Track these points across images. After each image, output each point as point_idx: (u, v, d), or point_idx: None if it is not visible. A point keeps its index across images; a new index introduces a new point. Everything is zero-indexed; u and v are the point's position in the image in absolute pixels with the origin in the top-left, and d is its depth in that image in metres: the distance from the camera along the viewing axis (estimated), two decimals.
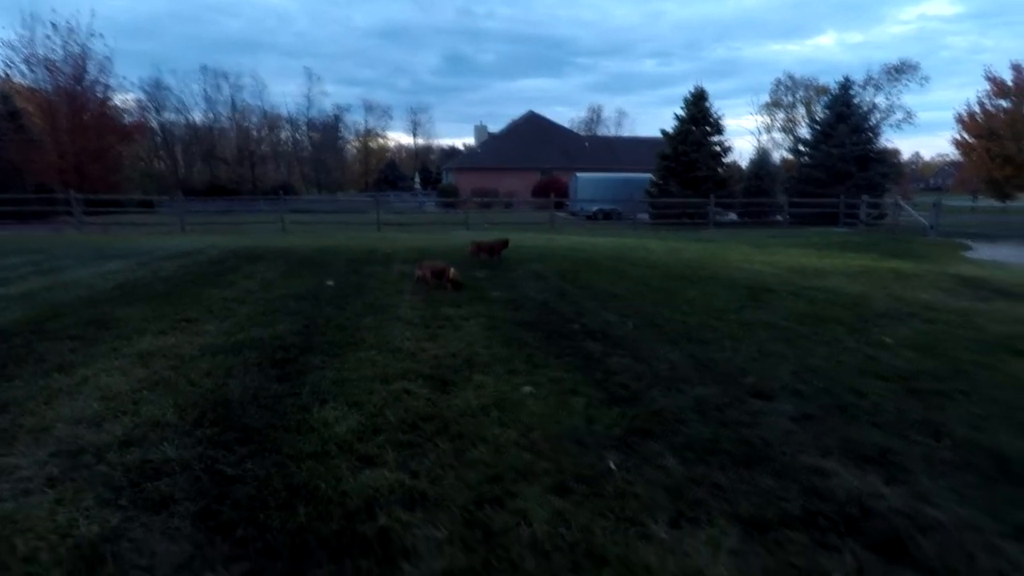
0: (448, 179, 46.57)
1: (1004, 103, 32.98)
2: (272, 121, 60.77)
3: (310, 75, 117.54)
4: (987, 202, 37.72)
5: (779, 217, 27.99)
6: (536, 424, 3.56)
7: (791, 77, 54.30)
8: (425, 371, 4.54)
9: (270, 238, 17.40)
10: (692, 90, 28.55)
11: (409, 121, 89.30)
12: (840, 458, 3.16)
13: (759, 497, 2.75)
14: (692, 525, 2.55)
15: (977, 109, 34.29)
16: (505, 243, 11.60)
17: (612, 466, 3.05)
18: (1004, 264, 13.08)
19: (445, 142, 70.86)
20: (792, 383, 4.37)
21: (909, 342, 5.59)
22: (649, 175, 29.96)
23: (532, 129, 48.36)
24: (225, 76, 57.96)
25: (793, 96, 53.23)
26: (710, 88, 40.87)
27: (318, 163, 61.05)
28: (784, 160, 40.43)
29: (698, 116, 28.63)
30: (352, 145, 69.85)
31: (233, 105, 56.65)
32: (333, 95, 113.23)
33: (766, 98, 62.64)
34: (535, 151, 45.21)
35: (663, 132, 29.72)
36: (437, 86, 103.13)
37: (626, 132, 60.99)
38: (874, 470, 3.03)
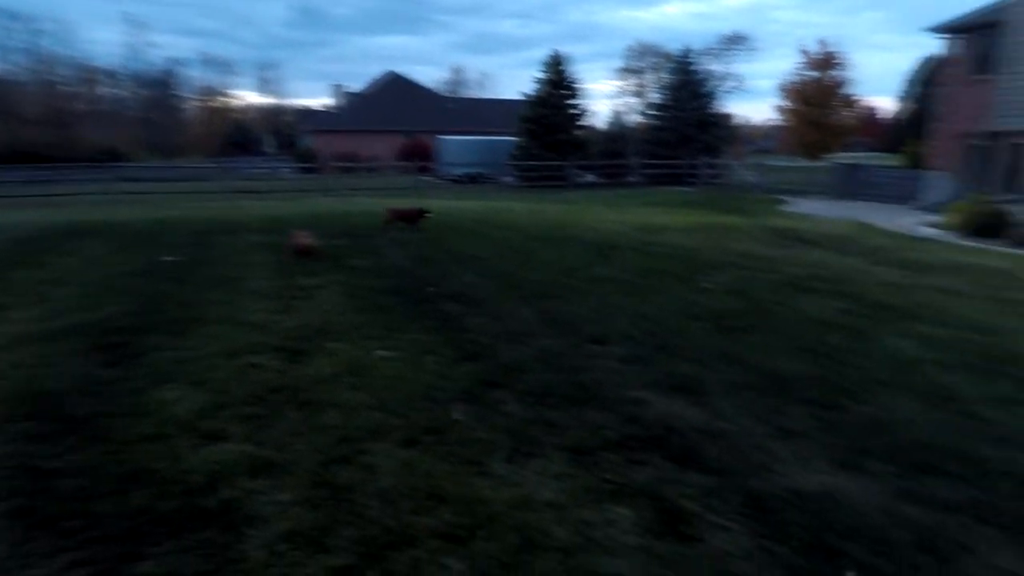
0: (305, 142, 43.89)
1: (815, 74, 37.58)
2: (87, 74, 52.59)
3: (132, 22, 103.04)
4: (803, 162, 43.21)
5: (632, 178, 29.91)
6: (389, 385, 3.68)
7: (642, 43, 57.47)
8: (276, 343, 4.45)
9: (96, 212, 15.42)
10: (551, 54, 29.26)
11: (257, 79, 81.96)
12: (656, 389, 3.65)
13: (585, 429, 3.12)
14: (525, 459, 2.84)
15: (795, 79, 38.76)
16: (422, 212, 11.20)
17: (458, 416, 3.27)
18: (809, 216, 15.18)
19: (300, 102, 66.04)
20: (626, 329, 4.88)
21: (725, 287, 6.43)
22: (514, 138, 30.45)
23: (394, 90, 46.74)
24: (16, 18, 48.61)
25: (644, 62, 56.36)
26: (569, 52, 41.91)
27: (150, 124, 54.15)
28: (638, 123, 42.98)
29: (557, 80, 29.44)
30: (192, 105, 62.99)
31: (33, 54, 48.07)
32: (165, 47, 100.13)
33: (621, 63, 65.71)
34: (398, 113, 43.87)
35: (524, 95, 30.22)
36: (287, 40, 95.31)
37: (490, 94, 60.96)
38: (682, 396, 3.55)
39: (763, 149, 58.96)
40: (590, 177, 30.46)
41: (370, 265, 7.55)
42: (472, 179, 29.86)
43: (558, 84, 29.55)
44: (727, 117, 39.82)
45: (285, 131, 58.76)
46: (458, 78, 67.40)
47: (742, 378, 3.81)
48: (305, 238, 7.29)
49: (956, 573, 2.06)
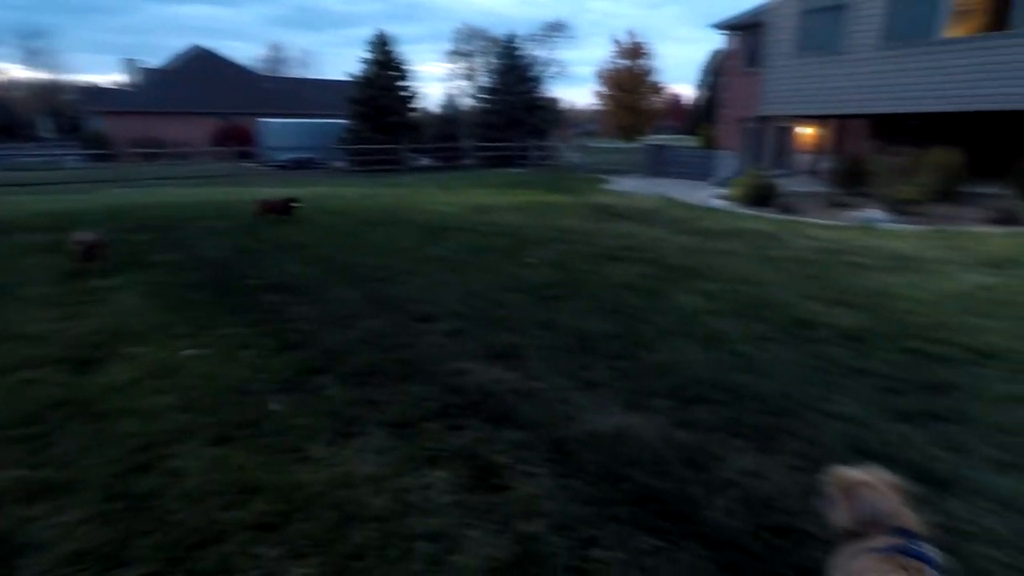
0: (94, 125, 37.92)
1: (625, 62, 41.05)
2: None
3: None
4: (621, 144, 47.13)
5: (467, 160, 30.35)
6: (198, 385, 3.44)
7: (470, 27, 58.04)
8: (58, 354, 3.91)
9: None
10: (377, 33, 28.42)
11: (21, 49, 68.65)
12: (477, 359, 3.84)
13: (407, 403, 3.20)
14: (346, 439, 2.86)
15: (610, 67, 42.02)
16: (293, 200, 10.30)
17: (276, 406, 3.17)
18: (626, 193, 16.66)
19: (83, 79, 56.60)
20: (452, 306, 5.04)
21: (547, 261, 6.87)
22: (340, 120, 29.22)
23: (202, 67, 42.10)
24: None
25: (472, 46, 57.02)
26: (399, 32, 40.84)
27: None
28: (470, 106, 43.54)
29: (385, 60, 28.73)
30: None
31: None
32: None
33: (449, 46, 65.76)
34: (208, 93, 39.67)
35: (351, 76, 29.08)
36: (62, 4, 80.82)
37: (313, 74, 57.49)
38: (501, 363, 3.78)
39: (587, 132, 63.05)
40: (425, 160, 30.34)
41: (178, 260, 6.88)
42: (300, 164, 28.17)
43: (386, 65, 28.87)
44: (553, 101, 41.86)
45: (66, 112, 50.23)
46: (277, 56, 62.56)
47: (555, 341, 4.16)
48: (86, 236, 6.25)
49: (709, 478, 2.50)
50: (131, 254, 7.01)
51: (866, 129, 16.82)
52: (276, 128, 30.38)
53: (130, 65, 44.12)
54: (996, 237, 7.72)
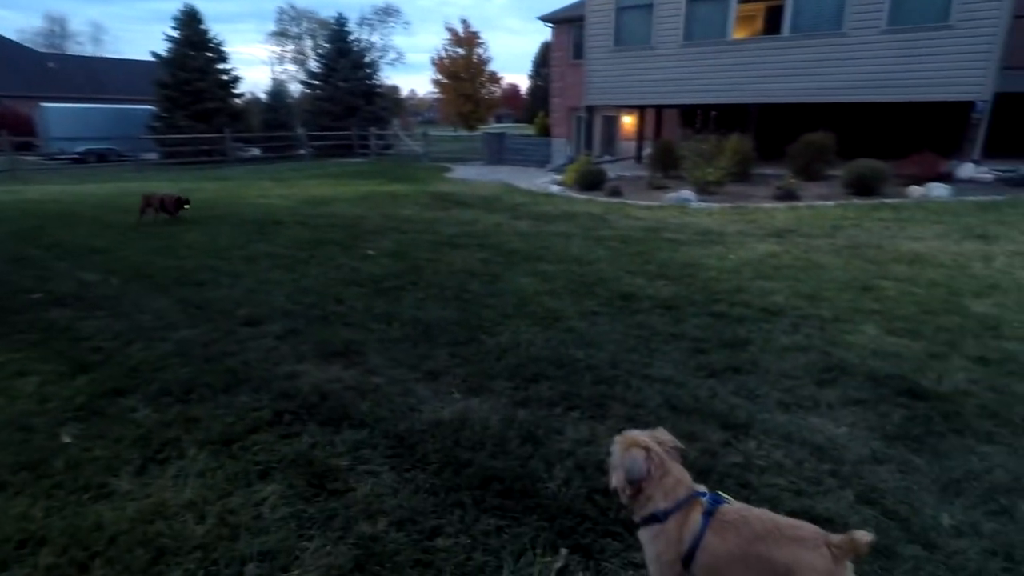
0: None
1: (460, 50, 41.26)
2: None
3: None
4: (462, 132, 47.46)
5: (302, 151, 28.56)
6: None
7: (294, 7, 54.37)
8: None
9: None
10: (182, 8, 25.43)
11: None
12: (312, 359, 3.63)
13: (234, 416, 2.93)
14: (160, 465, 2.54)
15: (444, 54, 41.92)
16: (183, 199, 8.94)
17: (67, 440, 2.72)
18: (467, 181, 16.81)
19: None
20: (284, 305, 4.71)
21: (387, 251, 6.70)
22: (147, 107, 25.88)
23: None
24: None
25: (299, 27, 53.53)
26: (212, 8, 36.70)
27: None
28: (301, 93, 40.90)
29: (195, 39, 25.87)
30: None
31: None
32: None
33: (273, 27, 61.04)
34: None
35: (155, 55, 25.82)
36: None
37: (108, 53, 50.12)
38: (338, 361, 3.61)
39: (428, 120, 62.61)
40: (254, 151, 28.05)
41: None
42: (101, 157, 24.50)
43: (199, 45, 26.05)
44: (392, 89, 40.95)
45: None
46: (58, 30, 53.46)
47: (395, 334, 4.06)
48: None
49: (547, 452, 2.61)
50: None
51: (677, 118, 18.70)
52: (65, 115, 26.16)
53: None
54: (780, 211, 9.02)
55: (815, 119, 12.50)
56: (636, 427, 2.76)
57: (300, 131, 29.17)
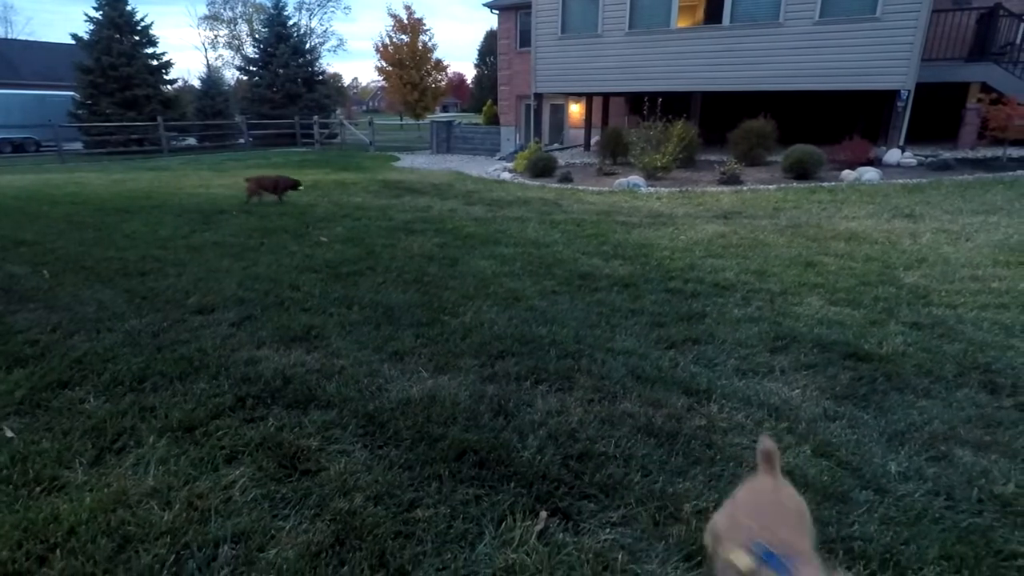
0: None
1: (405, 37, 40.41)
2: None
3: None
4: (408, 121, 46.71)
5: (241, 140, 27.46)
6: None
7: None
8: None
9: None
10: None
11: None
12: (272, 345, 3.53)
13: (193, 403, 2.82)
14: (118, 455, 2.43)
15: (388, 41, 40.96)
16: (294, 183, 9.22)
17: (10, 434, 2.56)
18: (417, 169, 16.60)
19: None
20: (236, 293, 4.55)
21: (340, 238, 6.56)
22: (69, 93, 24.27)
23: None
24: None
25: (233, 11, 51.21)
26: None
27: None
28: (237, 80, 39.22)
29: (120, 22, 24.39)
30: None
31: None
32: None
33: (204, 10, 58.22)
34: None
35: (75, 37, 24.22)
36: None
37: (20, 34, 46.66)
38: (299, 346, 3.53)
39: (372, 109, 61.29)
40: (190, 140, 26.81)
41: None
42: (17, 147, 22.86)
43: (123, 27, 24.58)
44: (334, 76, 39.81)
45: None
46: None
47: (357, 317, 4.00)
48: None
49: (520, 424, 2.64)
50: None
51: (624, 105, 18.99)
52: None
53: None
54: (725, 195, 9.34)
55: (755, 106, 12.97)
56: (605, 397, 2.85)
57: (239, 119, 28.03)
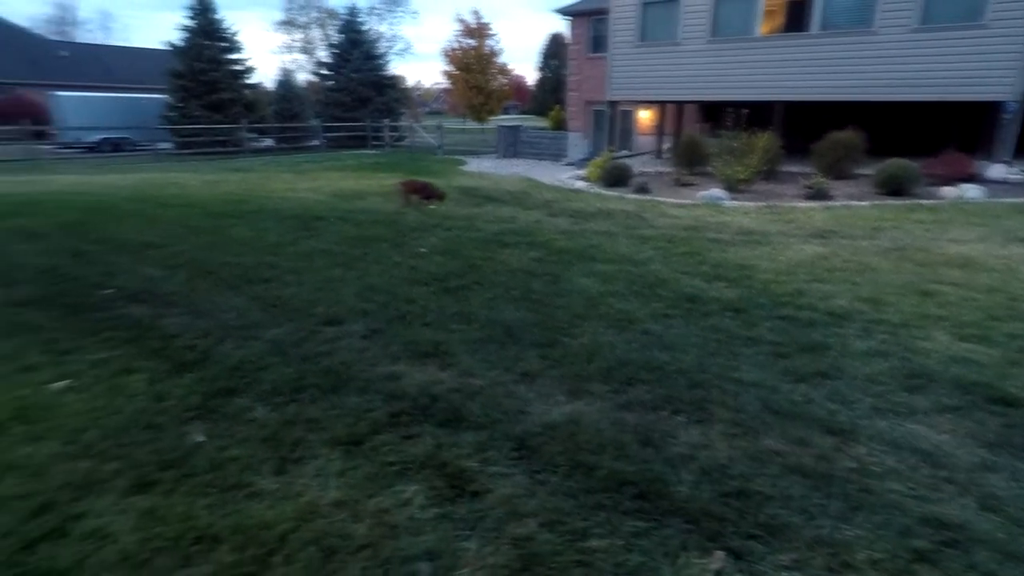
0: None
1: (472, 41, 41.05)
2: None
3: None
4: (472, 124, 47.36)
5: (315, 142, 28.56)
6: (86, 423, 2.93)
7: None
8: None
9: None
10: None
11: None
12: (406, 360, 3.72)
13: (350, 416, 3.02)
14: (297, 465, 2.64)
15: (455, 45, 41.72)
16: (441, 194, 9.49)
17: (200, 438, 2.82)
18: (487, 174, 16.86)
19: None
20: (357, 304, 4.79)
21: (438, 249, 6.78)
22: (164, 96, 25.86)
23: None
24: None
25: (307, 16, 53.21)
26: None
27: None
28: (310, 83, 40.75)
29: (209, 29, 25.84)
30: None
31: None
32: None
33: (281, 16, 60.75)
34: None
35: (171, 45, 25.77)
36: None
37: (118, 41, 49.96)
38: (432, 362, 3.70)
39: (435, 111, 62.41)
40: (268, 141, 28.07)
41: None
42: (115, 147, 24.51)
43: (211, 34, 26.01)
44: (401, 79, 40.78)
45: None
46: (66, 16, 53.21)
47: (479, 335, 4.15)
48: None
49: (668, 456, 2.71)
50: None
51: (697, 113, 18.69)
52: (79, 103, 26.11)
53: None
54: (816, 212, 9.09)
55: (840, 116, 12.53)
56: (746, 431, 2.88)
57: (314, 122, 29.16)
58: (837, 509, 2.36)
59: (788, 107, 13.83)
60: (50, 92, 27.57)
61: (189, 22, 25.53)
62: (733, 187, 11.44)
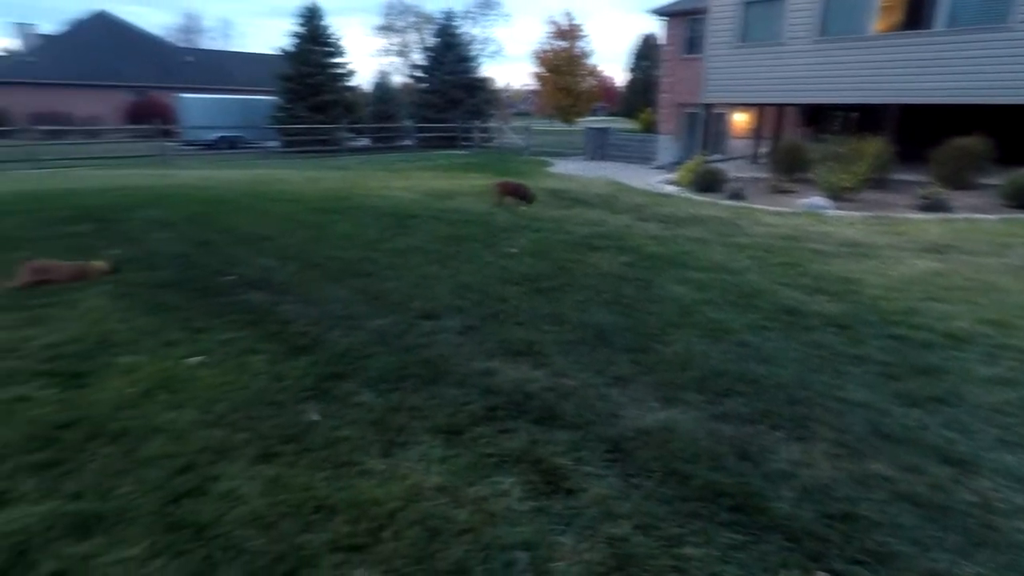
0: None
1: (563, 43, 41.15)
2: None
3: None
4: (558, 125, 47.51)
5: (407, 141, 29.67)
6: (218, 395, 3.26)
7: (401, 1, 56.27)
8: (41, 367, 3.59)
9: None
10: (306, 5, 27.09)
11: None
12: (500, 357, 3.84)
13: (450, 407, 3.17)
14: (402, 449, 2.81)
15: (546, 47, 41.98)
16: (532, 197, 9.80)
17: (316, 417, 3.06)
18: (574, 176, 16.85)
19: None
20: (452, 301, 4.99)
21: (528, 250, 6.90)
22: (270, 97, 27.79)
23: (108, 34, 38.61)
24: None
25: (404, 21, 55.35)
26: (324, 1, 38.61)
27: None
28: (404, 85, 42.38)
29: (316, 35, 27.49)
30: None
31: None
32: None
33: (379, 21, 63.51)
34: (118, 64, 36.49)
35: (283, 50, 27.64)
36: None
37: (235, 47, 54.12)
38: (525, 361, 3.80)
39: (522, 112, 62.99)
40: (364, 141, 29.45)
41: (132, 255, 6.39)
42: (230, 144, 26.58)
43: (316, 40, 27.64)
44: (491, 81, 41.52)
45: None
46: (192, 25, 58.31)
47: (571, 336, 4.21)
48: None
49: (767, 471, 2.65)
50: (78, 249, 6.44)
51: (798, 116, 17.77)
52: (200, 105, 28.51)
53: (20, 30, 39.90)
54: (931, 224, 8.43)
55: (965, 121, 11.52)
56: (851, 453, 2.77)
57: (407, 122, 30.30)
58: (955, 543, 2.23)
59: (903, 110, 12.87)
60: (176, 94, 30.34)
61: (299, 28, 27.26)
62: (837, 195, 10.81)
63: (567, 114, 41.62)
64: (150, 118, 27.44)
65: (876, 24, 12.83)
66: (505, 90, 71.35)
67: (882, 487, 2.55)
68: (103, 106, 33.06)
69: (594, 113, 54.81)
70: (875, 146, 11.18)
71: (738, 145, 19.69)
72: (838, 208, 10.01)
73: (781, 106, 16.72)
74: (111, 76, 35.63)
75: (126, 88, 35.15)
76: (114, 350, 3.84)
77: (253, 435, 2.88)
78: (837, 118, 11.29)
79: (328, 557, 2.12)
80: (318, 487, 2.49)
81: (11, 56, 39.07)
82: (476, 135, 27.41)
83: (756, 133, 17.53)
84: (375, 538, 2.21)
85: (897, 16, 13.72)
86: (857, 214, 9.41)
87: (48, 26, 41.20)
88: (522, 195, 9.80)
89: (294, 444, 2.82)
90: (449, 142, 28.02)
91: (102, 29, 38.89)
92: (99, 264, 5.60)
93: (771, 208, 10.26)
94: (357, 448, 2.80)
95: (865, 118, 12.97)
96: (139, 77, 36.28)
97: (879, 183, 11.53)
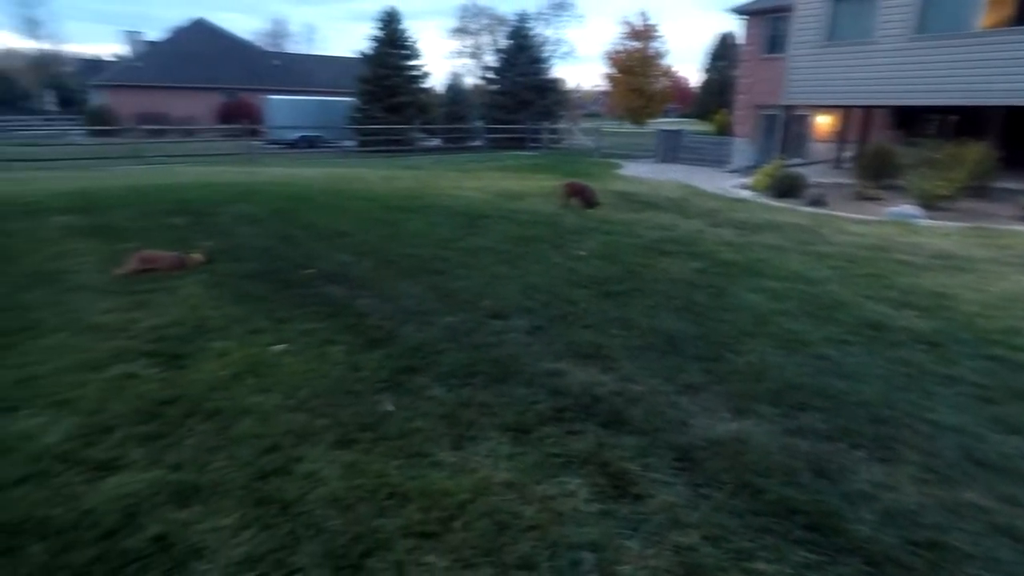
0: (95, 99, 37.37)
1: (636, 44, 40.54)
2: None
3: None
4: (629, 127, 46.85)
5: (477, 142, 30.10)
6: (300, 383, 3.45)
7: (475, 4, 57.19)
8: (146, 347, 3.92)
9: None
10: (385, 9, 28.00)
11: (18, 18, 67.20)
12: (568, 359, 3.87)
13: (518, 405, 3.23)
14: (472, 443, 2.89)
15: (619, 48, 41.52)
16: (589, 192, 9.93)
17: (390, 407, 3.19)
18: (644, 179, 16.57)
19: (82, 49, 55.58)
20: (521, 301, 5.05)
21: (596, 253, 6.87)
22: (348, 99, 28.88)
23: (205, 40, 41.36)
24: None
25: (478, 23, 56.18)
26: (402, 5, 39.74)
27: None
28: (476, 86, 43.02)
29: (393, 38, 28.34)
30: None
31: None
32: None
33: (454, 24, 64.73)
34: (213, 67, 39.02)
35: (362, 54, 28.69)
36: None
37: (318, 50, 56.69)
38: (593, 364, 3.81)
39: (592, 113, 62.48)
40: (436, 141, 30.10)
41: (223, 247, 6.83)
42: (311, 143, 27.84)
43: (394, 43, 28.48)
44: (562, 82, 41.44)
45: (67, 85, 49.39)
46: (279, 30, 61.49)
47: (640, 342, 4.18)
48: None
49: (845, 491, 2.54)
50: (176, 240, 6.95)
51: (887, 119, 16.75)
52: (284, 106, 30.00)
53: (129, 37, 43.35)
54: None
55: None
56: (939, 478, 2.61)
57: (478, 124, 30.73)
58: None
59: (1010, 113, 11.88)
60: (263, 96, 32.08)
61: (378, 32, 28.20)
62: (930, 204, 10.12)
63: (638, 115, 40.96)
64: (239, 118, 29.18)
65: (982, 20, 11.90)
66: (576, 91, 71.00)
67: (976, 517, 2.40)
68: (198, 107, 35.41)
69: (666, 114, 53.63)
70: (976, 151, 10.38)
71: (819, 149, 18.77)
72: (931, 217, 9.37)
73: (869, 108, 15.81)
74: (206, 79, 38.10)
75: (219, 90, 37.48)
76: (208, 335, 4.14)
77: (332, 421, 3.04)
78: (932, 121, 10.56)
79: (402, 542, 2.22)
80: (392, 475, 2.60)
81: (120, 61, 42.55)
82: (545, 136, 27.44)
83: (840, 137, 16.66)
84: (446, 527, 2.29)
85: (1006, 11, 12.67)
86: (952, 224, 8.78)
87: (153, 33, 44.48)
88: (587, 198, 9.73)
89: (370, 432, 2.95)
90: (518, 143, 28.18)
91: (200, 35, 41.65)
92: (196, 255, 6.03)
93: (855, 216, 9.73)
94: (429, 440, 2.90)
95: (965, 121, 12.07)
96: (231, 79, 38.60)
97: (979, 191, 10.71)
